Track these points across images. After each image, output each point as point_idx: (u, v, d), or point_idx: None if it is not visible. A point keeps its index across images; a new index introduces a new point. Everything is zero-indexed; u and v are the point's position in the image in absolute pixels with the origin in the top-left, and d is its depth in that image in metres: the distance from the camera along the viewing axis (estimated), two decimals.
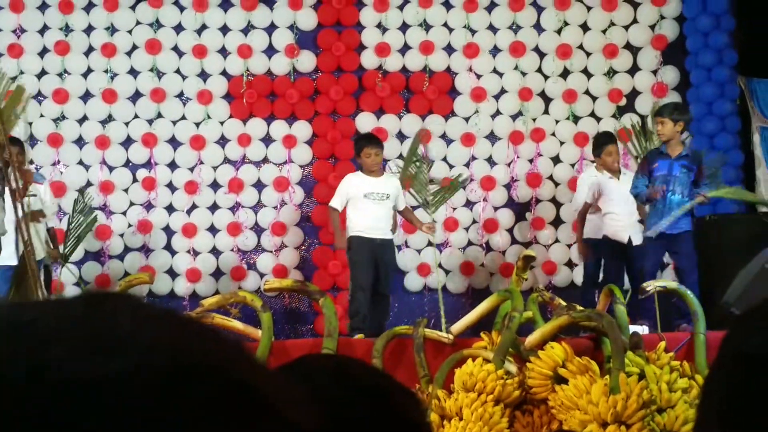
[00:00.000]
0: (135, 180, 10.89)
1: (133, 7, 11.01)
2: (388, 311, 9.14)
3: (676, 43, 11.29)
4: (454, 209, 11.03)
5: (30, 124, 10.74)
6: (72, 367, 0.69)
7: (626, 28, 11.32)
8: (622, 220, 9.33)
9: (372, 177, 8.86)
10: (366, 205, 8.77)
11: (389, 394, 1.43)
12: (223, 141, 11.03)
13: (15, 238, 7.79)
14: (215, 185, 10.97)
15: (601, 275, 9.68)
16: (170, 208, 10.91)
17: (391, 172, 9.66)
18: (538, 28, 11.29)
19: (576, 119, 11.22)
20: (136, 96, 11.00)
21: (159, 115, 10.95)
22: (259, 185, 11.02)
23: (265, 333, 7.06)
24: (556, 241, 11.13)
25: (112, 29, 10.99)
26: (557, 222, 11.14)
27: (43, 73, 10.96)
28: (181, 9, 11.04)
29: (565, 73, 11.27)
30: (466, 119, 11.16)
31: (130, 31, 11.02)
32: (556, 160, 11.21)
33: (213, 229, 10.94)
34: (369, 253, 8.70)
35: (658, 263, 8.85)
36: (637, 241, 9.17)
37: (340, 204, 8.92)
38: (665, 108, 8.78)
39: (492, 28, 11.26)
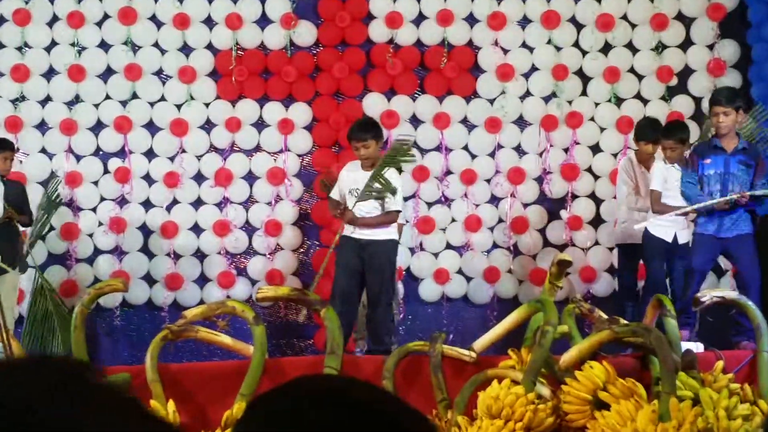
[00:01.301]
0: (106, 171, 10.90)
1: None
2: (387, 325, 8.98)
3: (736, 14, 11.26)
4: (477, 206, 11.02)
5: None
6: None
7: None
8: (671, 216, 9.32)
9: (366, 171, 8.83)
10: (350, 201, 8.79)
11: (400, 421, 1.42)
12: (208, 126, 11.03)
13: None
14: (199, 177, 10.98)
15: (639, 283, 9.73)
16: (147, 204, 10.92)
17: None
18: None
19: (619, 101, 11.19)
20: (107, 73, 11.00)
21: (134, 96, 10.96)
22: (250, 177, 11.02)
23: (257, 349, 7.06)
24: (596, 243, 11.11)
25: None
26: (597, 221, 11.12)
27: None
28: None
29: (606, 48, 11.24)
30: (491, 101, 11.14)
31: None
32: (595, 149, 11.19)
33: (197, 228, 10.94)
34: (352, 256, 8.71)
35: (708, 265, 8.83)
36: (683, 239, 9.18)
37: (339, 195, 8.93)
38: (724, 94, 8.70)
39: None
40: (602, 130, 11.20)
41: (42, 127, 10.90)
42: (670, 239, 9.27)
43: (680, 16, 11.28)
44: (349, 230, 8.76)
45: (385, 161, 8.76)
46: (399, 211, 8.88)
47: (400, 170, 9.03)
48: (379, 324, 8.75)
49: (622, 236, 9.89)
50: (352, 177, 8.83)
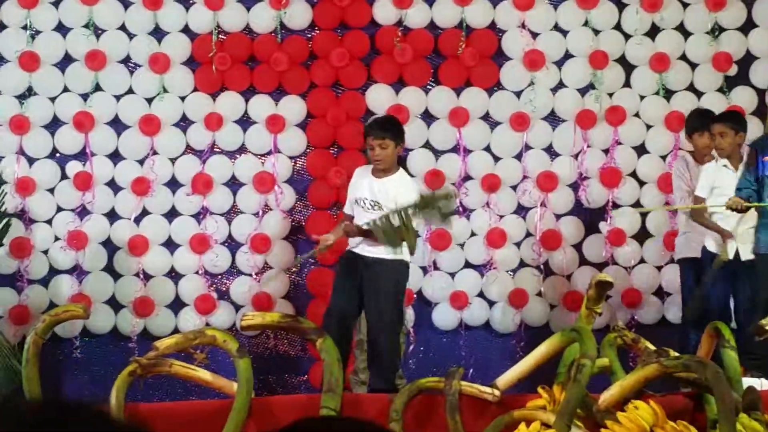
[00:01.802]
0: (64, 176, 10.92)
1: None
2: (392, 359, 8.96)
3: None
4: (501, 217, 11.04)
5: None
6: None
7: None
8: (730, 226, 9.35)
9: (377, 177, 8.86)
10: (357, 212, 8.88)
11: None
12: (184, 123, 11.05)
13: None
14: (174, 183, 11.00)
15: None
16: (112, 215, 10.94)
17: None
18: None
19: (668, 94, 11.21)
20: (65, 61, 11.02)
21: (97, 88, 10.98)
22: (233, 184, 11.04)
23: (242, 386, 7.07)
24: (641, 261, 11.11)
25: None
26: (643, 235, 11.12)
27: None
28: None
29: (653, 31, 11.26)
30: (518, 94, 11.16)
31: None
32: (640, 149, 11.20)
33: (170, 244, 10.96)
34: (352, 273, 8.80)
35: None
36: (746, 255, 9.19)
37: (349, 208, 9.04)
38: None
39: None
40: (648, 127, 11.21)
41: None
42: (731, 256, 9.29)
43: None
44: (353, 243, 8.79)
45: (420, 203, 8.72)
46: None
47: (439, 218, 8.99)
48: (381, 357, 8.75)
49: (684, 249, 9.90)
50: (359, 185, 8.87)
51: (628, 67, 11.26)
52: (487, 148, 11.12)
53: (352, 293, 8.73)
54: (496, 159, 11.10)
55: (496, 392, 7.23)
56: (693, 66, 11.24)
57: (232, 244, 11.00)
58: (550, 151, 11.19)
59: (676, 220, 10.84)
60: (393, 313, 8.83)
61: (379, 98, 11.02)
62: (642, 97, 11.25)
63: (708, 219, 9.38)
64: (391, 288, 8.78)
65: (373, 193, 8.81)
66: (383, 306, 8.73)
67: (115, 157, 10.98)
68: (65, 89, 10.98)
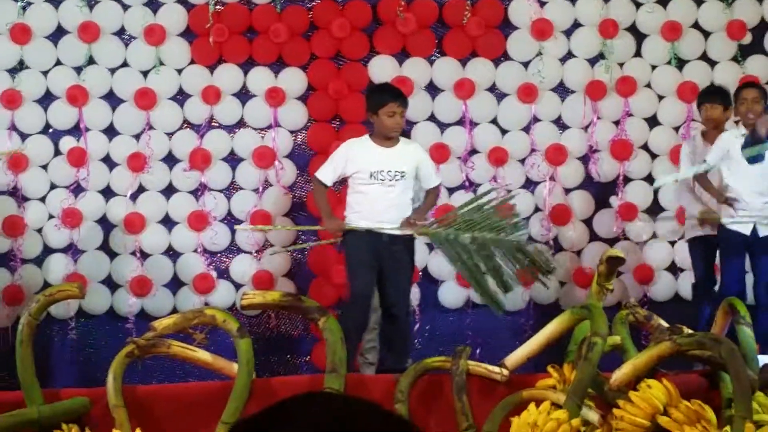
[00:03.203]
0: (57, 152, 10.92)
1: None
2: (407, 339, 9.05)
3: None
4: (509, 192, 11.03)
5: None
6: None
7: None
8: (746, 201, 9.37)
9: (385, 147, 8.83)
10: (373, 188, 8.80)
11: None
12: (181, 97, 11.05)
13: None
14: (170, 159, 11.00)
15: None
16: (107, 192, 10.95)
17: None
18: None
19: (681, 63, 11.20)
20: (57, 33, 11.02)
21: (90, 61, 10.98)
22: (232, 159, 11.04)
23: (243, 367, 7.08)
24: (654, 236, 11.12)
25: None
26: (655, 209, 11.13)
27: None
28: None
29: None
30: (525, 65, 11.16)
31: None
32: (652, 121, 11.20)
33: (168, 221, 10.97)
34: (369, 252, 8.73)
35: None
36: (764, 231, 9.21)
37: (331, 178, 8.95)
38: None
39: None
40: (660, 98, 11.22)
41: None
42: (748, 232, 9.31)
43: None
44: (366, 221, 8.76)
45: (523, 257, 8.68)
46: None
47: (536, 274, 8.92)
48: (405, 335, 8.88)
49: (692, 229, 9.93)
50: (366, 158, 8.80)
51: (639, 36, 11.27)
52: (494, 121, 11.12)
53: (372, 274, 8.69)
54: (504, 132, 11.10)
55: (505, 372, 7.24)
56: (706, 35, 11.24)
57: (231, 221, 11.01)
58: (559, 124, 11.19)
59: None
60: (409, 293, 8.91)
61: (382, 70, 11.01)
62: (653, 67, 11.25)
63: (710, 183, 9.44)
64: (411, 264, 8.92)
65: (393, 164, 8.76)
66: (407, 283, 8.87)
67: (110, 132, 10.98)
68: (58, 62, 10.98)
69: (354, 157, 8.88)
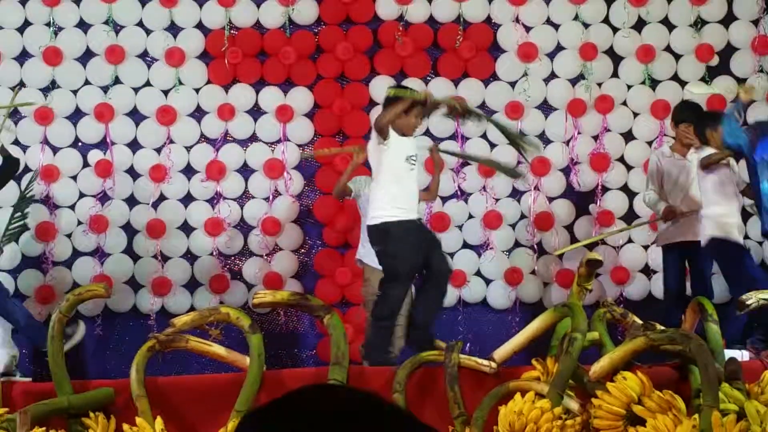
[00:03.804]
0: (86, 164, 10.91)
1: None
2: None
3: None
4: (497, 200, 11.03)
5: None
6: None
7: None
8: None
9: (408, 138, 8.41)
10: (407, 173, 8.24)
11: None
12: (198, 113, 11.04)
13: None
14: (189, 170, 10.99)
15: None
16: (131, 200, 10.94)
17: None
18: None
19: (654, 83, 11.19)
20: (86, 56, 11.02)
21: (116, 81, 10.97)
22: (245, 170, 11.03)
23: (254, 360, 7.07)
24: (629, 241, 11.11)
25: None
26: (630, 216, 11.11)
27: None
28: None
29: (639, 24, 11.25)
30: (512, 84, 11.15)
31: None
32: (628, 136, 11.19)
33: (186, 227, 10.96)
34: (419, 242, 8.24)
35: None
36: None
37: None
38: None
39: None
40: (635, 115, 11.20)
41: (14, 115, 10.90)
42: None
43: None
44: (412, 212, 8.25)
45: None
46: None
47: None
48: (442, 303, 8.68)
49: (668, 234, 9.91)
50: (401, 146, 8.25)
51: (616, 59, 11.25)
52: (484, 136, 11.10)
53: (420, 261, 8.26)
54: (492, 146, 11.07)
55: (493, 365, 7.23)
56: (677, 57, 11.23)
57: (244, 227, 10.99)
58: (543, 138, 11.17)
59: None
60: None
61: (382, 89, 10.92)
62: (629, 87, 11.23)
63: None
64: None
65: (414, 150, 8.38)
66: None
67: (134, 145, 10.97)
68: (86, 82, 10.98)
69: (391, 144, 8.37)
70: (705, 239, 9.24)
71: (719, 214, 9.21)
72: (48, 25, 10.98)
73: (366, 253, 9.13)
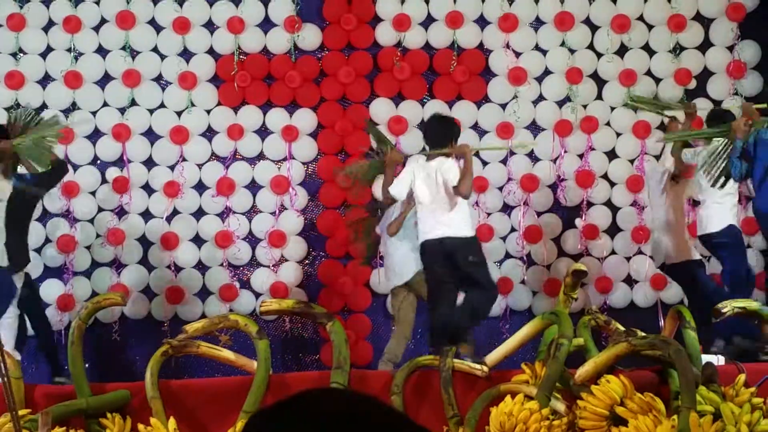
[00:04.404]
0: (104, 180, 10.91)
1: None
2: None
3: (757, 13, 11.26)
4: (489, 214, 11.03)
5: None
6: None
7: None
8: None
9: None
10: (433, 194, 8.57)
11: None
12: (209, 133, 11.04)
13: None
14: (201, 186, 10.99)
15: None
16: (146, 214, 10.93)
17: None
18: None
19: (635, 105, 11.19)
20: (104, 79, 11.02)
21: (133, 103, 10.98)
22: (253, 186, 11.03)
23: (261, 364, 7.07)
24: (612, 252, 11.10)
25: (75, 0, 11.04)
26: (613, 230, 11.11)
27: None
28: None
29: (622, 50, 11.25)
30: (503, 106, 11.15)
31: (97, 2, 11.05)
32: (611, 154, 11.19)
33: (198, 240, 10.95)
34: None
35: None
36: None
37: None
38: None
39: None
40: (618, 135, 11.20)
41: None
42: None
43: (698, 17, 11.29)
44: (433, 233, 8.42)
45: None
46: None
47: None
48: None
49: (679, 254, 9.83)
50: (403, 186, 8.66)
51: (600, 82, 11.25)
52: (476, 154, 11.10)
53: None
54: (485, 163, 11.08)
55: (485, 368, 7.23)
56: (657, 80, 11.23)
57: (252, 239, 10.99)
58: (532, 157, 11.17)
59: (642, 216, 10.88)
60: None
61: (381, 110, 11.01)
62: (612, 109, 11.23)
63: None
64: None
65: None
66: None
67: (149, 163, 10.97)
68: (105, 104, 10.98)
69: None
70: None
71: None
72: (69, 50, 10.98)
73: (392, 277, 9.25)
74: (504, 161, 11.09)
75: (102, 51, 11.03)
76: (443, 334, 8.01)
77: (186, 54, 11.07)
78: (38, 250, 10.56)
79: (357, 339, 10.12)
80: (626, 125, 11.16)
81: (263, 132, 11.06)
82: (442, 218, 8.25)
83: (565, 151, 11.16)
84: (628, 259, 11.04)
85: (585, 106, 11.20)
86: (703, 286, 9.15)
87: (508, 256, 11.10)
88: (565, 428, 6.54)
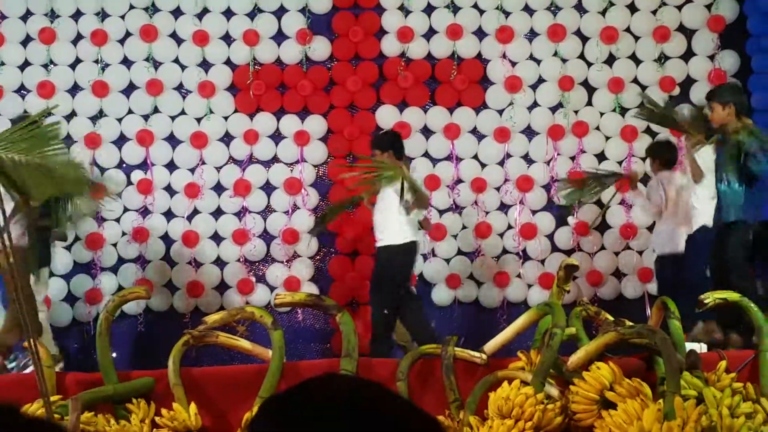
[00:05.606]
0: (129, 182, 10.93)
1: None
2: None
3: (736, 25, 11.26)
4: (487, 213, 11.03)
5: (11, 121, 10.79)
6: None
7: (679, 8, 11.31)
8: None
9: None
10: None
11: (408, 421, 1.42)
12: (227, 138, 11.05)
13: None
14: (219, 188, 11.00)
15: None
16: (169, 214, 10.94)
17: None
18: (580, 8, 11.29)
19: (623, 111, 11.19)
20: (129, 89, 11.03)
21: (156, 110, 10.99)
22: (268, 187, 11.03)
23: (275, 353, 7.06)
24: (602, 248, 11.10)
25: (102, 14, 11.04)
26: (603, 227, 11.10)
27: (26, 64, 11.02)
28: None
29: (610, 60, 11.25)
30: (500, 112, 11.15)
31: (122, 16, 11.06)
32: (601, 157, 11.18)
33: (217, 237, 10.96)
34: None
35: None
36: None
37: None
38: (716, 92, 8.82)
39: (528, 10, 11.26)
40: (607, 138, 11.20)
41: (67, 140, 10.87)
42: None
43: (682, 28, 11.29)
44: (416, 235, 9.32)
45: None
46: None
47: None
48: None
49: (668, 244, 9.79)
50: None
51: (590, 89, 11.26)
52: (475, 157, 11.11)
53: None
54: (483, 165, 11.09)
55: (484, 356, 7.20)
56: (644, 88, 11.22)
57: (267, 237, 11.00)
58: (527, 159, 11.18)
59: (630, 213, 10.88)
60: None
61: (386, 117, 11.02)
62: (602, 114, 11.24)
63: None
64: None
65: None
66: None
67: (171, 166, 10.99)
68: (130, 111, 11.00)
69: None
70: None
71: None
72: (96, 62, 11.00)
73: None
74: (501, 163, 11.08)
75: (127, 62, 11.04)
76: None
77: (205, 65, 11.08)
78: (68, 248, 10.57)
79: (365, 329, 10.11)
80: (615, 129, 11.17)
81: (277, 137, 11.07)
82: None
83: (558, 154, 11.16)
84: (617, 254, 11.04)
85: (576, 112, 11.21)
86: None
87: (505, 251, 11.10)
88: (558, 412, 6.52)
